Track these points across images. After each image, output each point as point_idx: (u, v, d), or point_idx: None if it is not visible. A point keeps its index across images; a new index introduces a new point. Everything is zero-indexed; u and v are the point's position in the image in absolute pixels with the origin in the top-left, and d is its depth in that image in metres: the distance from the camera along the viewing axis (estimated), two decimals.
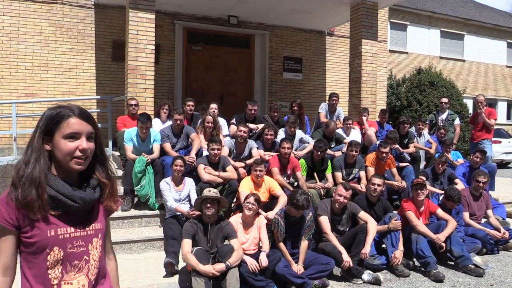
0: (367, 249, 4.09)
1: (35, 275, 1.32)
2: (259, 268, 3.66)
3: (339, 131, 6.76)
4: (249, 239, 3.97)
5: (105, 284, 1.47)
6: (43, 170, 1.30)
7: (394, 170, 5.88)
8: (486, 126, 7.47)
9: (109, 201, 1.45)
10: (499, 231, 5.01)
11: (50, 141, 1.33)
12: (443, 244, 4.39)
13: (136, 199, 5.35)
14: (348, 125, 6.78)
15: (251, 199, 3.97)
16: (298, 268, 3.90)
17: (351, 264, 3.98)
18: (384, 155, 5.66)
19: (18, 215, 1.29)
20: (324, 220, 4.28)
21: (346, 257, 4.01)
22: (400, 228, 4.42)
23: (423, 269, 4.30)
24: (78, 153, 1.32)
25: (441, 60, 18.51)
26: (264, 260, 3.69)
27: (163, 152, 5.50)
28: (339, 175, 5.62)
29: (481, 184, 5.30)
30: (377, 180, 4.71)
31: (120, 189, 5.20)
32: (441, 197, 5.51)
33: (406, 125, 6.84)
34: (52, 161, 1.35)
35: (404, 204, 4.77)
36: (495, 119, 7.61)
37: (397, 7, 16.33)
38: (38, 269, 1.32)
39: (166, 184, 4.72)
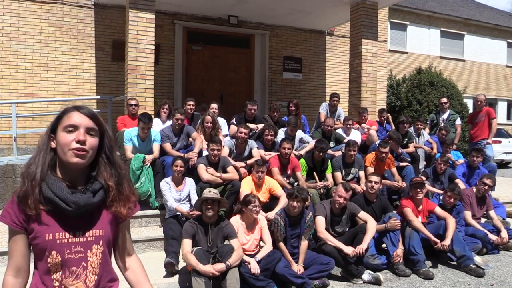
0: (364, 246, 4.04)
1: (40, 276, 1.33)
2: (260, 272, 3.66)
3: (339, 131, 6.76)
4: (250, 240, 3.97)
5: None
6: (41, 164, 1.30)
7: (394, 170, 5.88)
8: (484, 126, 7.47)
9: (116, 206, 1.38)
10: (500, 231, 5.05)
11: (55, 138, 1.34)
12: (446, 248, 4.37)
13: None
14: (348, 125, 6.78)
15: (256, 202, 3.95)
16: (298, 268, 3.90)
17: (355, 252, 3.96)
18: (384, 155, 5.66)
19: (23, 215, 1.29)
20: (320, 220, 4.27)
21: (347, 249, 3.98)
22: (399, 227, 4.42)
23: (413, 267, 4.26)
24: (74, 145, 1.29)
25: (441, 60, 18.51)
26: (255, 268, 3.65)
27: (163, 152, 5.50)
28: (338, 175, 5.61)
29: (486, 187, 5.31)
30: (374, 178, 4.71)
31: None
32: (441, 197, 5.51)
33: (405, 124, 6.84)
34: (58, 162, 1.34)
35: (403, 202, 4.80)
36: (494, 118, 7.60)
37: (397, 7, 16.34)
38: (43, 270, 1.32)
39: (166, 184, 4.72)
